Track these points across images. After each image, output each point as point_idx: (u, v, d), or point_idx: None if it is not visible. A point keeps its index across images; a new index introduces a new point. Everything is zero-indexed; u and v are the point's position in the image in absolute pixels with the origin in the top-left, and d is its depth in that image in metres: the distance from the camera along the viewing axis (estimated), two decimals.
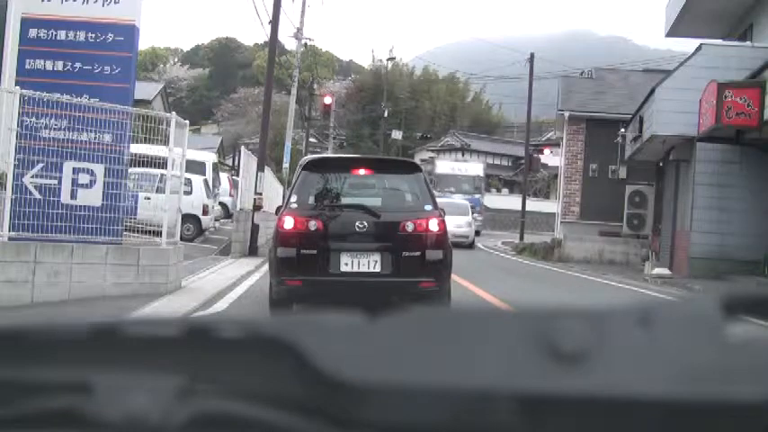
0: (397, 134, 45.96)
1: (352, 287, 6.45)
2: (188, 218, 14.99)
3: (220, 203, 22.99)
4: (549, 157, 38.62)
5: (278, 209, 7.33)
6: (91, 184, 7.97)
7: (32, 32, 8.22)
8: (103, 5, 8.30)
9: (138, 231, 9.08)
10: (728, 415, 0.58)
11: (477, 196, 31.43)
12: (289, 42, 29.00)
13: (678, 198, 18.01)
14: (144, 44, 44.89)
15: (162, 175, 9.85)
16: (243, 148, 19.65)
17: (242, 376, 0.61)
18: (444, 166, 34.48)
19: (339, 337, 0.62)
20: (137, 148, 8.95)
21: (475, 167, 35.08)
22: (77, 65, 8.23)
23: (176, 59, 78.59)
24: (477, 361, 0.59)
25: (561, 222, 25.72)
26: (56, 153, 7.80)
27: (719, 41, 18.53)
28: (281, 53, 25.22)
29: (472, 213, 28.60)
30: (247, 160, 17.41)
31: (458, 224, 22.26)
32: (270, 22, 17.46)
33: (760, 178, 15.51)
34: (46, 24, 8.22)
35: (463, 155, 48.08)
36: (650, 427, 0.58)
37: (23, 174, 7.65)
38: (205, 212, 18.01)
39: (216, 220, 20.95)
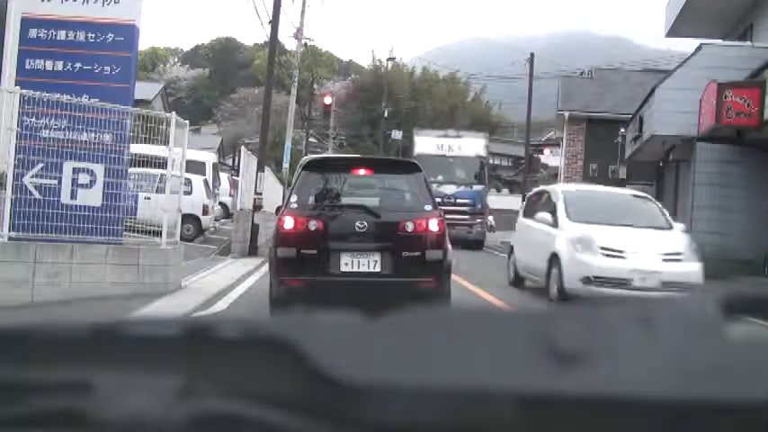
0: (396, 134, 45.89)
1: (352, 287, 6.45)
2: (188, 218, 14.98)
3: (220, 203, 22.98)
4: (549, 157, 38.56)
5: (278, 209, 7.33)
6: (91, 184, 7.97)
7: (32, 32, 8.22)
8: (103, 5, 8.30)
9: (138, 231, 9.08)
10: (728, 415, 0.58)
11: (477, 188, 21.60)
12: (289, 42, 28.93)
13: (678, 198, 18.02)
14: (144, 44, 44.90)
15: (162, 175, 9.84)
16: (243, 148, 19.65)
17: (242, 376, 0.61)
18: (426, 143, 22.82)
19: (339, 337, 0.62)
20: (137, 148, 8.95)
21: (473, 144, 23.07)
22: (77, 65, 8.23)
23: (176, 59, 78.55)
24: (477, 361, 0.59)
25: None
26: (56, 153, 7.79)
27: (719, 41, 18.55)
28: (281, 53, 25.23)
29: (476, 214, 21.26)
30: (247, 160, 17.41)
31: (668, 252, 9.24)
32: (270, 22, 17.46)
33: (760, 178, 15.52)
34: (46, 24, 8.22)
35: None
36: (650, 426, 0.58)
37: (23, 174, 7.64)
38: (205, 212, 18.00)
39: (216, 220, 20.94)
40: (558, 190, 11.18)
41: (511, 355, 0.59)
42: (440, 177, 20.73)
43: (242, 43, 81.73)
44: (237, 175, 19.91)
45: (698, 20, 19.61)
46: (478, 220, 21.68)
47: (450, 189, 20.80)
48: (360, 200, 7.09)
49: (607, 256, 8.94)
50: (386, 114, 46.05)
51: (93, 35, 8.27)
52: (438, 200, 20.87)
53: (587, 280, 8.81)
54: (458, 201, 20.84)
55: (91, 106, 7.94)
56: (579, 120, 25.45)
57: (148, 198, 10.63)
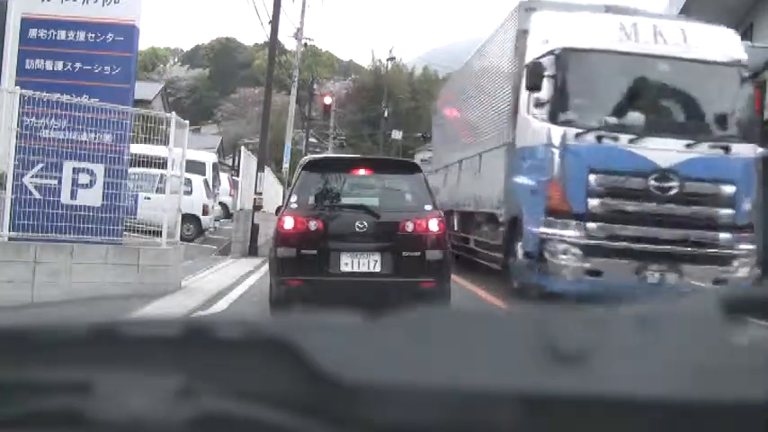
0: (397, 134, 45.92)
1: (352, 287, 6.46)
2: (188, 218, 14.99)
3: (220, 203, 22.98)
4: None
5: (278, 209, 7.34)
6: (91, 184, 7.97)
7: (32, 32, 8.22)
8: (103, 5, 8.31)
9: (138, 231, 9.08)
10: (728, 415, 0.58)
11: (738, 155, 8.20)
12: (289, 42, 28.99)
13: None
14: (144, 44, 44.91)
15: (162, 175, 9.84)
16: (243, 148, 19.65)
17: (242, 376, 0.61)
18: (582, 24, 8.54)
19: (339, 337, 0.62)
20: (137, 148, 8.96)
21: (717, 38, 9.35)
22: (77, 65, 8.23)
23: (176, 59, 78.60)
24: (477, 361, 0.59)
25: None
26: (56, 153, 7.80)
27: None
28: (281, 53, 25.23)
29: (739, 228, 8.02)
30: (247, 160, 17.42)
31: None
32: (270, 22, 17.47)
33: (760, 178, 15.48)
34: (46, 24, 8.22)
35: None
36: (650, 426, 0.58)
37: (23, 174, 7.65)
38: (205, 212, 18.01)
39: (216, 220, 20.95)
40: None
41: (511, 355, 0.59)
42: (631, 116, 8.27)
43: (242, 43, 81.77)
44: (237, 175, 19.91)
45: (698, 19, 19.59)
46: (744, 246, 8.28)
47: (663, 153, 8.11)
48: (360, 200, 7.10)
49: None
50: (386, 114, 46.07)
51: (93, 35, 8.28)
52: (635, 180, 7.64)
53: None
54: (689, 187, 8.11)
55: (91, 106, 7.95)
56: None
57: (148, 198, 10.64)
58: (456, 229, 12.45)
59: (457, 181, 13.27)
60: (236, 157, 28.65)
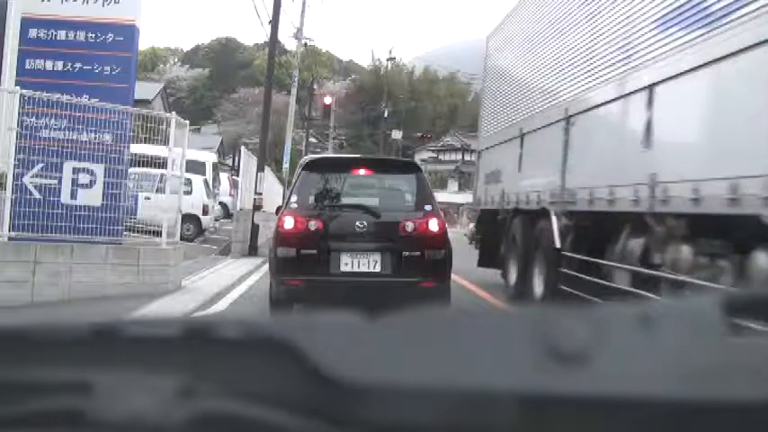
0: (396, 134, 45.96)
1: (352, 287, 6.46)
2: (188, 218, 14.99)
3: (220, 203, 22.99)
4: None
5: (278, 209, 7.35)
6: (91, 184, 7.98)
7: (32, 32, 8.23)
8: (103, 5, 8.31)
9: (138, 231, 9.08)
10: (728, 415, 0.58)
11: None
12: (289, 42, 29.02)
13: None
14: (144, 44, 44.91)
15: (162, 175, 9.85)
16: (243, 148, 19.66)
17: (242, 376, 0.61)
18: None
19: (339, 337, 0.62)
20: (137, 148, 8.96)
21: None
22: (77, 65, 8.24)
23: (176, 59, 78.60)
24: (477, 361, 0.59)
25: None
26: (56, 153, 7.80)
27: None
28: (281, 53, 25.21)
29: None
30: (247, 160, 17.42)
31: None
32: (270, 22, 17.46)
33: None
34: (46, 24, 8.23)
35: (463, 156, 47.42)
36: (650, 427, 0.58)
37: (23, 174, 7.65)
38: (205, 212, 18.01)
39: (216, 220, 20.95)
40: None
41: (511, 355, 0.59)
42: None
43: (242, 43, 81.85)
44: (237, 175, 19.91)
45: None
46: None
47: None
48: (360, 200, 7.10)
49: None
50: (386, 114, 46.11)
51: (93, 35, 8.28)
52: None
53: None
54: None
55: (91, 106, 7.95)
56: None
57: (148, 198, 10.65)
58: (558, 246, 7.43)
59: (561, 157, 7.69)
60: (236, 157, 28.63)
